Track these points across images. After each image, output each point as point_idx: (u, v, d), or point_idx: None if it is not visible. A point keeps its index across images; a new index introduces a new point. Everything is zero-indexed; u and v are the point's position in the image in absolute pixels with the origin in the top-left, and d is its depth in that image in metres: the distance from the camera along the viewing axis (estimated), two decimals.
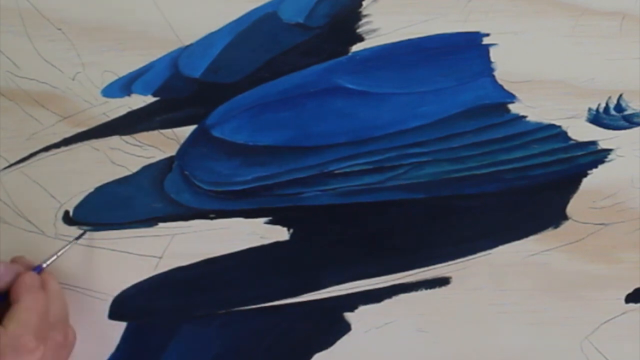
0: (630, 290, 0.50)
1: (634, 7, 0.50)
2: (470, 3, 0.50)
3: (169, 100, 0.51)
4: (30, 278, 0.47)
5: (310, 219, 0.51)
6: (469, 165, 0.50)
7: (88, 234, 0.51)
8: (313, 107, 0.51)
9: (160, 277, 0.51)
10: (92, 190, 0.52)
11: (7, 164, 0.52)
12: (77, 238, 0.51)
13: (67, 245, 0.51)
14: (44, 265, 0.49)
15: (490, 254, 0.51)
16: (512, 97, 0.50)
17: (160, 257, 0.51)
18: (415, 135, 0.50)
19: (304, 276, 0.51)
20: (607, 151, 0.50)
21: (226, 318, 0.52)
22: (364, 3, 0.51)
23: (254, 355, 0.52)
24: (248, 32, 0.51)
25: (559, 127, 0.50)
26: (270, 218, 0.51)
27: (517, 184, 0.50)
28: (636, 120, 0.50)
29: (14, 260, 0.49)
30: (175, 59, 0.51)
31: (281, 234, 0.51)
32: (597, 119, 0.50)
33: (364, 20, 0.51)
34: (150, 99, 0.52)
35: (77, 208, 0.52)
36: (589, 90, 0.50)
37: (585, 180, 0.50)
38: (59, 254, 0.50)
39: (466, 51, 0.50)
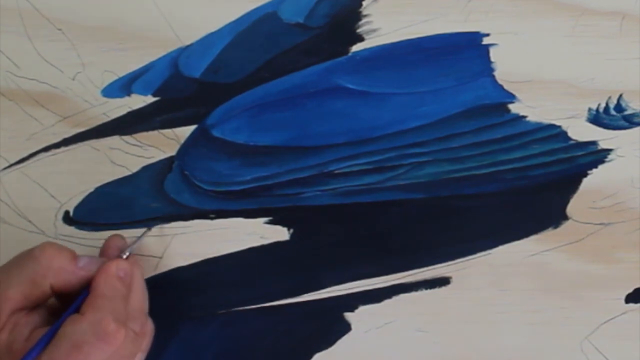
0: (630, 290, 0.50)
1: (634, 7, 0.50)
2: (470, 3, 0.50)
3: (169, 100, 0.51)
4: (110, 267, 0.45)
5: (310, 219, 0.51)
6: (468, 166, 0.50)
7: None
8: (313, 107, 0.51)
9: (160, 277, 0.51)
10: (92, 190, 0.52)
11: (7, 164, 0.52)
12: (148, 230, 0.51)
13: (145, 231, 0.50)
14: (124, 256, 0.47)
15: (490, 254, 0.51)
16: (512, 97, 0.50)
17: (160, 257, 0.51)
18: (415, 135, 0.50)
19: (304, 276, 0.51)
20: (607, 151, 0.50)
21: (226, 318, 0.52)
22: (364, 3, 0.51)
23: (254, 355, 0.52)
24: (248, 32, 0.51)
25: (559, 127, 0.50)
26: (270, 218, 0.51)
27: (517, 184, 0.50)
28: (636, 120, 0.50)
29: (108, 244, 0.48)
30: (175, 59, 0.51)
31: (281, 234, 0.51)
32: (597, 119, 0.50)
33: (364, 20, 0.51)
34: (150, 99, 0.52)
35: (77, 208, 0.52)
36: (589, 90, 0.50)
37: (585, 180, 0.50)
38: (133, 246, 0.49)
39: (466, 51, 0.50)
